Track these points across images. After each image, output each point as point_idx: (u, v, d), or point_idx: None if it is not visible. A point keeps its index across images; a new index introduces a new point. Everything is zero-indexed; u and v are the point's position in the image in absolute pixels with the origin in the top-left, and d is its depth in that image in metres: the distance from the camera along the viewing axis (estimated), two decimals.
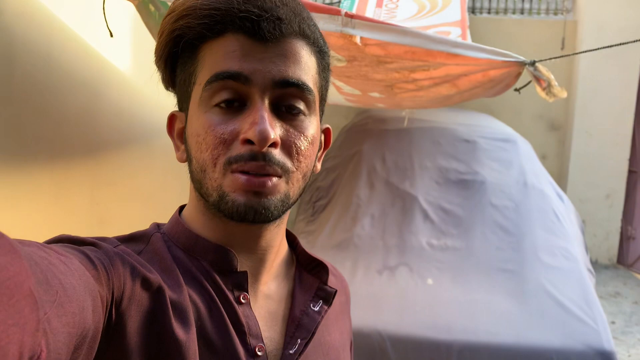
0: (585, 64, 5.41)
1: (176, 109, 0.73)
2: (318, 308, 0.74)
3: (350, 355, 0.86)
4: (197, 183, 0.66)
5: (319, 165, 0.74)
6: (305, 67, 0.66)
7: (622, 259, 5.74)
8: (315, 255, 0.79)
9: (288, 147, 0.64)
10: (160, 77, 0.72)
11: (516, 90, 2.10)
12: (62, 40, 1.74)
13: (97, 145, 1.92)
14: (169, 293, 0.62)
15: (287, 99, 0.64)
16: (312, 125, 0.67)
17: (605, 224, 5.68)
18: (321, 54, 0.70)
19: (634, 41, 2.00)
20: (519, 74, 2.05)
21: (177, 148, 0.72)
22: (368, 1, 3.40)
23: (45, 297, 0.44)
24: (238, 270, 0.69)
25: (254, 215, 0.63)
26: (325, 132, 0.77)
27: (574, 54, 2.36)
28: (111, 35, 1.77)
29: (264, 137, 0.60)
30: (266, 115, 0.61)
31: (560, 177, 5.74)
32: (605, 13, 5.28)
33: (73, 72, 1.78)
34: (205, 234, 0.69)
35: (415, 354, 2.18)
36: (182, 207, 0.76)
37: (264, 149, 0.61)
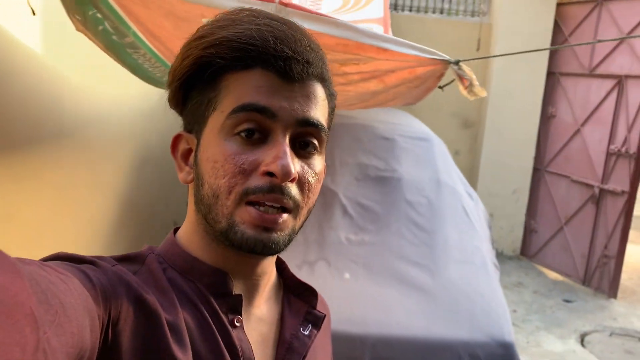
0: (499, 66, 5.70)
1: (180, 129, 0.74)
2: (308, 332, 0.76)
3: None
4: (206, 208, 0.67)
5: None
6: (322, 109, 0.70)
7: (525, 251, 6.15)
8: (302, 280, 0.83)
9: (302, 183, 0.67)
10: (169, 95, 0.72)
11: (440, 87, 2.20)
12: None
13: (2, 136, 1.82)
14: (165, 314, 0.63)
15: (304, 137, 0.67)
16: (320, 164, 0.71)
17: (511, 217, 6.05)
18: (331, 97, 0.74)
19: (543, 49, 2.13)
20: (442, 74, 2.14)
21: (180, 169, 0.73)
22: None
23: (46, 316, 0.45)
24: (233, 293, 0.70)
25: (262, 248, 0.65)
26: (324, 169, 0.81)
27: (491, 56, 2.50)
28: (33, 13, 1.67)
29: (286, 172, 0.62)
30: (288, 150, 0.64)
31: (472, 173, 6.05)
32: (518, 18, 5.58)
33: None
34: (202, 256, 0.71)
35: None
36: (176, 229, 0.77)
37: (284, 183, 0.64)
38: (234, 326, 0.69)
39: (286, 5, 1.63)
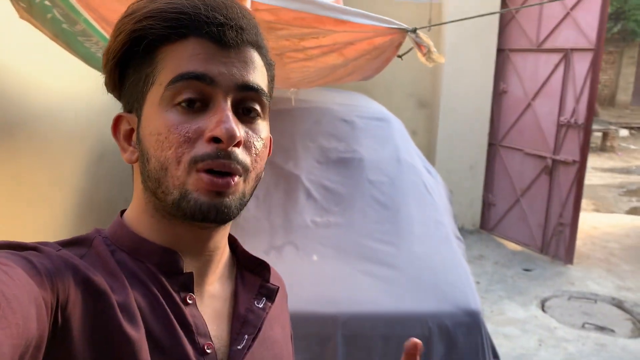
0: (450, 45, 5.80)
1: (121, 110, 0.73)
2: (262, 305, 0.77)
3: (292, 347, 0.90)
4: (154, 182, 0.66)
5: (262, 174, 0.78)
6: (261, 75, 0.70)
7: (485, 224, 6.33)
8: (255, 255, 0.83)
9: (248, 147, 0.67)
10: (105, 79, 0.72)
11: (399, 56, 2.23)
12: None
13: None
14: (114, 295, 0.62)
15: (246, 102, 0.67)
16: (265, 129, 0.71)
17: (470, 192, 6.20)
18: (269, 66, 0.74)
19: (489, 14, 2.18)
20: (400, 43, 2.17)
21: (123, 150, 0.72)
22: None
23: None
24: (184, 271, 0.70)
25: (215, 214, 0.65)
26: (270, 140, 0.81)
27: (447, 22, 2.56)
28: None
29: (231, 135, 0.63)
30: (231, 115, 0.64)
31: (430, 151, 6.16)
32: None
33: None
34: (150, 236, 0.70)
35: (303, 329, 2.27)
36: (123, 211, 0.76)
37: (229, 148, 0.64)
38: (187, 304, 0.69)
39: None
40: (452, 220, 3.25)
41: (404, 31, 2.00)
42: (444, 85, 5.95)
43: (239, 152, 0.66)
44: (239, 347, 0.72)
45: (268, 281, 0.80)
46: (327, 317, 2.28)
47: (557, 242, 5.41)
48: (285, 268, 2.50)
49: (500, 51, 5.94)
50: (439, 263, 2.63)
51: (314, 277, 2.48)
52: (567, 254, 5.32)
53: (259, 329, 0.75)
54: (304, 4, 1.76)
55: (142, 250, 0.70)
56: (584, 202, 5.70)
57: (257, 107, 0.69)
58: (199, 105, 0.65)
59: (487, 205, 6.29)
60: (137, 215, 0.72)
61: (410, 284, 2.47)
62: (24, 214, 2.11)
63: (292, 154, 3.19)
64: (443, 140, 6.09)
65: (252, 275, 0.81)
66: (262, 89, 0.68)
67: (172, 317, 0.67)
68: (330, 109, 3.49)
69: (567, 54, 5.23)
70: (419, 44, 1.96)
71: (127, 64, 0.69)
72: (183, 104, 0.64)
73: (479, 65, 5.89)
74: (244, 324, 0.74)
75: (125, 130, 0.72)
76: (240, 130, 0.65)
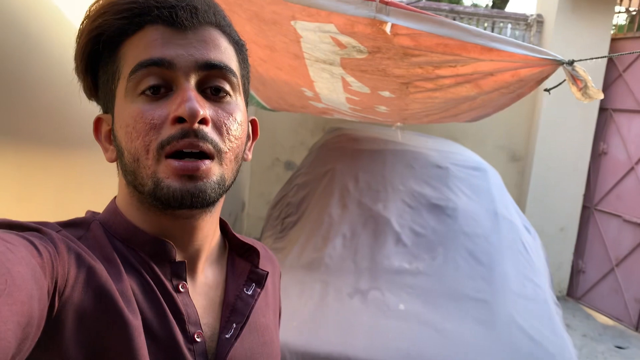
0: (549, 99, 5.56)
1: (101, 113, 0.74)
2: (251, 292, 0.76)
3: (278, 327, 0.90)
4: (131, 175, 0.66)
5: (250, 155, 0.76)
6: (226, 53, 0.69)
7: (572, 292, 5.89)
8: (245, 239, 0.82)
9: (218, 126, 0.66)
10: (81, 86, 0.72)
11: (546, 90, 2.04)
12: (47, 22, 1.61)
13: (67, 146, 1.79)
14: (113, 282, 0.62)
15: (211, 81, 0.66)
16: (238, 108, 0.69)
17: (558, 256, 5.82)
18: (239, 46, 0.73)
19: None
20: (546, 77, 2.02)
21: (105, 150, 0.72)
22: None
23: None
24: (176, 260, 0.71)
25: (191, 199, 0.64)
26: (252, 123, 0.79)
27: (610, 55, 2.39)
28: None
29: (193, 113, 0.61)
30: (193, 94, 0.63)
31: (519, 208, 5.86)
32: (571, 52, 5.46)
33: (53, 60, 1.64)
34: (142, 225, 0.70)
35: None
36: (116, 197, 0.76)
37: (195, 126, 0.62)
38: (179, 292, 0.69)
39: (387, 3, 1.56)
40: (550, 283, 3.00)
41: (559, 63, 1.82)
42: (539, 139, 5.69)
43: (208, 131, 0.64)
44: (227, 336, 0.71)
45: (257, 266, 0.79)
46: None
47: None
48: (371, 315, 2.39)
49: (603, 110, 5.63)
50: (536, 328, 2.39)
51: (400, 329, 2.32)
52: None
53: (247, 317, 0.74)
54: (452, 30, 1.64)
55: (135, 239, 0.70)
56: None
57: (226, 86, 0.68)
58: (163, 91, 0.64)
59: (576, 271, 5.87)
60: (126, 206, 0.71)
61: (504, 348, 2.26)
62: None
63: (381, 196, 3.08)
64: (534, 198, 5.78)
65: (242, 260, 0.81)
66: (226, 66, 0.67)
67: (165, 305, 0.67)
68: (423, 154, 3.38)
69: None
70: (575, 78, 1.77)
71: (96, 67, 0.69)
72: (147, 92, 0.64)
73: (578, 122, 5.59)
74: (232, 311, 0.74)
75: (105, 132, 0.72)
76: (206, 109, 0.64)
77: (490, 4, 12.16)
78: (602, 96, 1.74)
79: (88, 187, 1.92)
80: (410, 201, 3.06)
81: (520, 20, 5.97)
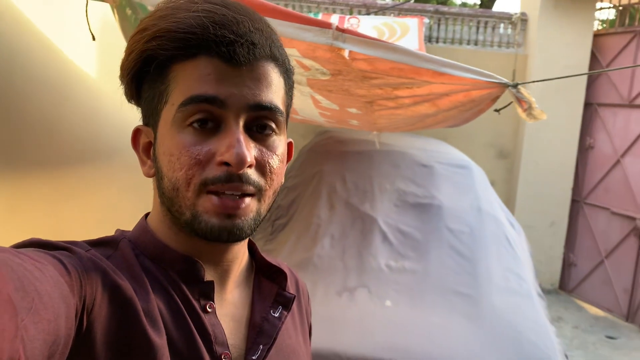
0: (535, 97, 5.64)
1: (140, 123, 0.73)
2: (278, 314, 0.76)
3: (309, 344, 0.90)
4: (169, 200, 0.67)
5: (283, 179, 0.76)
6: (276, 89, 0.68)
7: (564, 285, 5.97)
8: (273, 261, 0.82)
9: (262, 166, 0.66)
10: (123, 90, 0.72)
11: (496, 110, 2.17)
12: (28, 40, 1.68)
13: (59, 155, 1.85)
14: (139, 300, 0.62)
15: (259, 121, 0.66)
16: (281, 144, 0.70)
17: (549, 250, 5.90)
18: (288, 74, 0.72)
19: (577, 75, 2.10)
20: (497, 97, 2.12)
21: (143, 162, 0.72)
22: None
23: (22, 303, 0.45)
24: (205, 280, 0.71)
25: (227, 236, 0.65)
26: (288, 145, 0.78)
27: (547, 80, 2.50)
28: (93, 39, 1.71)
29: (241, 160, 0.62)
30: (242, 138, 0.63)
31: (508, 204, 5.93)
32: (554, 49, 5.55)
33: (39, 74, 1.71)
34: (172, 244, 0.70)
35: None
36: (147, 215, 0.76)
37: (241, 171, 0.63)
38: (206, 312, 0.69)
39: (342, 31, 1.65)
40: (534, 276, 3.08)
41: (504, 86, 1.94)
42: (526, 136, 5.78)
43: (252, 173, 0.65)
44: (253, 358, 0.71)
45: (285, 289, 0.79)
46: None
47: None
48: (358, 312, 2.46)
49: (588, 105, 5.72)
50: (520, 320, 2.47)
51: (387, 324, 2.39)
52: None
53: (274, 339, 0.74)
54: (402, 56, 1.75)
55: (164, 257, 0.70)
56: None
57: (273, 125, 0.68)
58: (211, 125, 0.64)
59: (567, 264, 5.95)
60: (157, 223, 0.72)
61: (489, 340, 2.33)
62: (97, 229, 2.18)
63: (368, 196, 3.15)
64: (523, 193, 5.86)
65: (269, 282, 0.80)
66: (275, 107, 0.67)
67: (192, 325, 0.67)
68: (409, 154, 3.45)
69: None
70: (519, 99, 1.90)
71: (142, 79, 0.69)
72: (195, 124, 0.64)
73: (564, 118, 5.68)
74: (259, 333, 0.74)
75: (144, 143, 0.72)
76: (251, 152, 0.64)
77: (479, 3, 12.27)
78: (545, 117, 1.86)
79: (79, 198, 1.98)
80: (396, 200, 3.13)
81: (504, 19, 6.06)
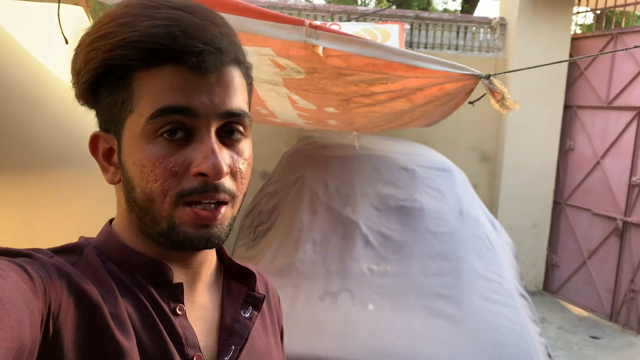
0: (516, 99, 5.69)
1: (97, 128, 0.71)
2: (249, 314, 0.76)
3: (282, 348, 0.89)
4: (141, 210, 0.66)
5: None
6: (241, 93, 0.68)
7: (548, 286, 6.02)
8: (241, 263, 0.82)
9: (234, 173, 0.67)
10: (75, 92, 0.69)
11: (470, 103, 2.18)
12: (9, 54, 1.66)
13: (32, 162, 1.83)
14: (106, 305, 0.62)
15: (228, 126, 0.66)
16: (248, 147, 0.70)
17: (532, 252, 5.95)
18: (248, 72, 0.72)
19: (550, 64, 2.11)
20: (471, 89, 2.14)
21: (104, 169, 0.71)
22: None
23: None
24: (173, 282, 0.70)
25: (205, 244, 0.65)
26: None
27: (521, 69, 2.52)
28: (66, 42, 1.69)
29: (218, 171, 0.62)
30: (216, 147, 0.63)
31: (491, 206, 5.98)
32: (533, 53, 5.62)
33: (9, 80, 1.69)
34: (139, 248, 0.70)
35: None
36: (111, 220, 0.75)
37: (217, 181, 0.63)
38: (176, 314, 0.69)
39: (315, 27, 1.65)
40: (517, 277, 3.09)
41: (477, 77, 1.95)
42: (507, 139, 5.83)
43: (226, 181, 0.65)
44: (226, 359, 0.71)
45: (254, 289, 0.79)
46: None
47: (628, 309, 5.06)
48: (340, 316, 2.46)
49: (568, 107, 5.79)
50: (502, 321, 2.48)
51: (369, 328, 2.39)
52: (639, 323, 4.95)
53: (246, 339, 0.74)
54: (376, 50, 1.76)
55: (131, 262, 0.69)
56: None
57: (241, 129, 0.67)
58: (181, 134, 0.63)
59: (550, 266, 6.00)
60: (124, 229, 0.71)
61: (470, 341, 2.34)
62: (72, 237, 2.16)
63: (350, 200, 3.16)
64: (505, 196, 5.91)
65: (238, 283, 0.80)
66: (244, 112, 0.67)
67: (162, 328, 0.66)
68: (390, 157, 3.46)
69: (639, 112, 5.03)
70: (492, 91, 1.91)
71: (99, 84, 0.66)
72: (166, 134, 0.63)
73: (545, 120, 5.75)
74: (230, 334, 0.73)
75: (104, 149, 0.70)
76: (225, 158, 0.64)
77: (460, 8, 12.40)
78: (518, 107, 1.87)
79: (55, 205, 1.96)
80: (377, 204, 3.14)
81: (484, 23, 6.12)
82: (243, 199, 0.71)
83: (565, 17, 5.68)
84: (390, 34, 5.40)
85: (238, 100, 0.66)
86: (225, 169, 0.63)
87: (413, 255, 2.86)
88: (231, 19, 1.52)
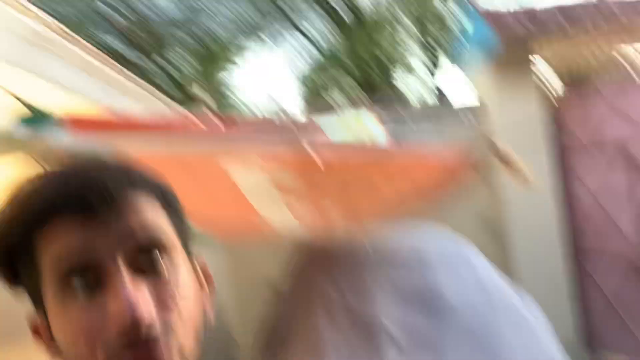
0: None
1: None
2: None
3: None
4: None
5: (210, 310, 0.70)
6: (148, 216, 0.63)
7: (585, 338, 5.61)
8: None
9: (162, 301, 0.60)
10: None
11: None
12: None
13: None
14: None
15: (143, 254, 0.61)
16: (181, 272, 0.64)
17: (555, 307, 5.60)
18: (163, 195, 0.67)
19: None
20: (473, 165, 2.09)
21: (48, 350, 0.65)
22: None
23: None
24: None
25: None
26: (203, 270, 0.73)
27: None
28: None
29: (138, 325, 0.56)
30: (131, 292, 0.57)
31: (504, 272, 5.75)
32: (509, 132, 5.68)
33: None
34: None
35: None
36: None
37: (143, 332, 0.57)
38: None
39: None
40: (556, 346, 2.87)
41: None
42: (508, 203, 5.70)
43: (155, 323, 0.58)
44: None
45: None
46: None
47: None
48: None
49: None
50: None
51: None
52: None
53: None
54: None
55: None
56: None
57: (159, 253, 0.62)
58: (94, 280, 0.59)
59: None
60: None
61: None
62: None
63: (366, 295, 2.98)
64: (516, 258, 5.67)
65: None
66: (149, 236, 0.61)
67: None
68: (400, 245, 3.32)
69: None
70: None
71: (8, 260, 0.63)
72: (78, 290, 0.58)
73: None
74: None
75: (44, 329, 0.64)
76: (146, 302, 0.58)
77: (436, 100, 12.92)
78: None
79: None
80: (393, 294, 2.95)
81: (459, 113, 6.26)
82: (197, 321, 0.65)
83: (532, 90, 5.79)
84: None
85: (143, 225, 0.61)
86: (147, 316, 0.56)
87: (444, 344, 2.63)
88: None
